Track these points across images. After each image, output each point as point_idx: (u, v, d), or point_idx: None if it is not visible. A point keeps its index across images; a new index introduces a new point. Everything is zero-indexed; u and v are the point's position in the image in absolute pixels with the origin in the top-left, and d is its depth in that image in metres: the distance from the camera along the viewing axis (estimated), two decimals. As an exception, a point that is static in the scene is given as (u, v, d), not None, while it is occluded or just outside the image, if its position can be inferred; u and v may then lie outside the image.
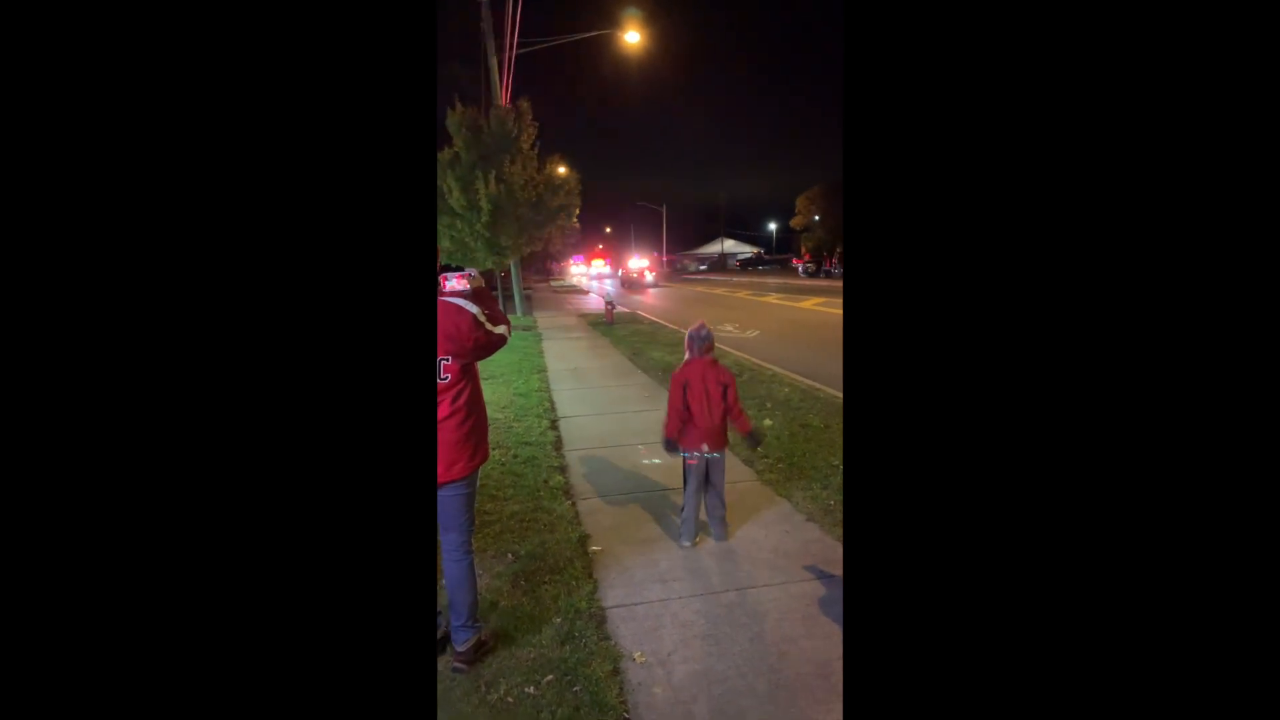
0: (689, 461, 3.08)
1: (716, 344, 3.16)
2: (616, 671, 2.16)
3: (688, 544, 3.09)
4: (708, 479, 3.10)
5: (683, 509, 3.14)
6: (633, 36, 13.44)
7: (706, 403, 3.02)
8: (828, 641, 2.29)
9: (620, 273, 40.72)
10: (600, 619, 2.47)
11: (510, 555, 2.97)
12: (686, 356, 3.12)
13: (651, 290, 29.13)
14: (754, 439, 3.13)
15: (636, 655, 2.25)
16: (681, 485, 3.19)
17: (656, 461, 4.22)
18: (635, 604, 2.58)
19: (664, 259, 62.04)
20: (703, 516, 3.16)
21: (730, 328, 12.12)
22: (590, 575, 2.80)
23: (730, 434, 3.14)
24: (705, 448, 3.04)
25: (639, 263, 40.30)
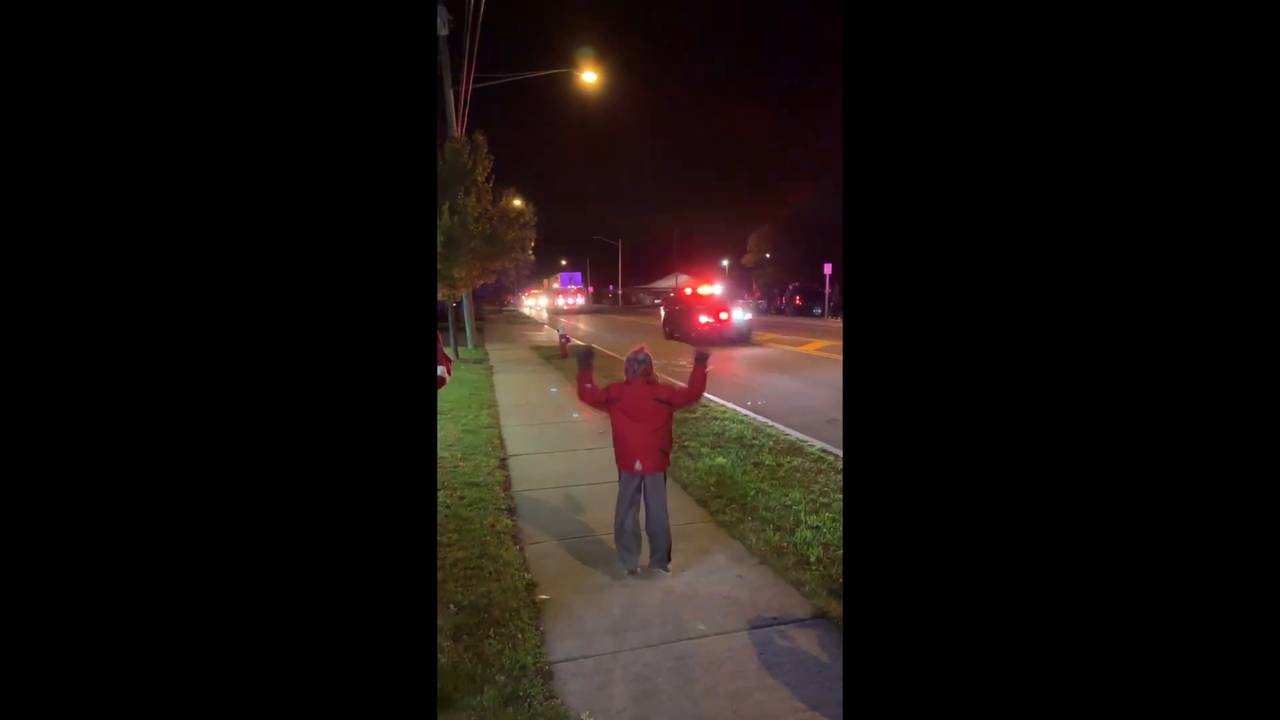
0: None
1: (670, 380, 3.14)
2: (563, 734, 2.04)
3: (629, 568, 3.09)
4: (646, 502, 3.09)
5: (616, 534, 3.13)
6: (589, 76, 13.68)
7: (640, 418, 3.03)
8: (782, 694, 2.23)
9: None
10: (547, 675, 2.35)
11: (452, 606, 2.81)
12: (624, 378, 3.14)
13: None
14: (700, 358, 3.12)
15: (584, 716, 2.13)
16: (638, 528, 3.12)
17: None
18: (585, 657, 2.47)
19: (618, 291, 62.48)
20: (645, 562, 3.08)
21: (684, 362, 12.16)
22: (537, 627, 2.67)
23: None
24: (639, 465, 3.03)
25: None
